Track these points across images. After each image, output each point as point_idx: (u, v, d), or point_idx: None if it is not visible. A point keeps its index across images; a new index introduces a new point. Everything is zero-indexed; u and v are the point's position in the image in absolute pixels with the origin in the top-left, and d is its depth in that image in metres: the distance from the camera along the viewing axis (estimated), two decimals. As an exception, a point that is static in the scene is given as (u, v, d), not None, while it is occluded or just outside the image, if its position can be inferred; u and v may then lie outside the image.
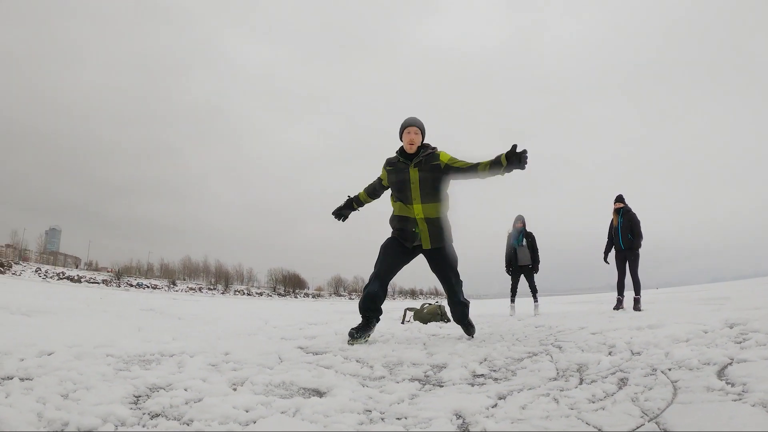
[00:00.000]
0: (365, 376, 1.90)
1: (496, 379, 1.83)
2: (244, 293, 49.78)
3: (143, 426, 1.18)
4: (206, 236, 79.71)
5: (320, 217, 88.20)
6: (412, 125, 3.05)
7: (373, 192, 3.37)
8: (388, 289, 3.19)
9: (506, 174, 2.77)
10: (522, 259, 6.86)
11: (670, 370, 1.70)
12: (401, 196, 3.08)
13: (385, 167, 3.19)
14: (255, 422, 1.21)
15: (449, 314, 4.75)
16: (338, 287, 60.95)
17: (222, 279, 54.80)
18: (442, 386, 1.73)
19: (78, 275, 42.56)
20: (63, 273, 41.78)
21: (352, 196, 3.44)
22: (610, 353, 2.22)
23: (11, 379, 1.51)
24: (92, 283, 39.50)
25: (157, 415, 1.26)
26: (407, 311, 5.43)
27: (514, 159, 2.67)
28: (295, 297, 50.98)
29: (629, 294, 6.49)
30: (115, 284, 41.46)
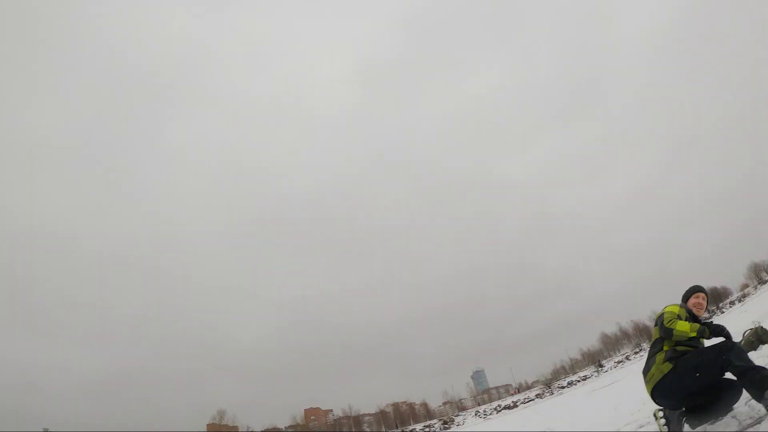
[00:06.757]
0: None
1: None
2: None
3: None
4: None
5: None
6: (701, 291, 3.50)
7: None
8: None
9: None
10: None
11: None
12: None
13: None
14: None
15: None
16: None
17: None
18: None
19: (512, 402, 43.84)
20: (499, 405, 44.02)
21: None
22: None
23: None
24: (527, 401, 39.83)
25: None
26: None
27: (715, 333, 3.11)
28: None
29: None
30: (548, 393, 41.28)
